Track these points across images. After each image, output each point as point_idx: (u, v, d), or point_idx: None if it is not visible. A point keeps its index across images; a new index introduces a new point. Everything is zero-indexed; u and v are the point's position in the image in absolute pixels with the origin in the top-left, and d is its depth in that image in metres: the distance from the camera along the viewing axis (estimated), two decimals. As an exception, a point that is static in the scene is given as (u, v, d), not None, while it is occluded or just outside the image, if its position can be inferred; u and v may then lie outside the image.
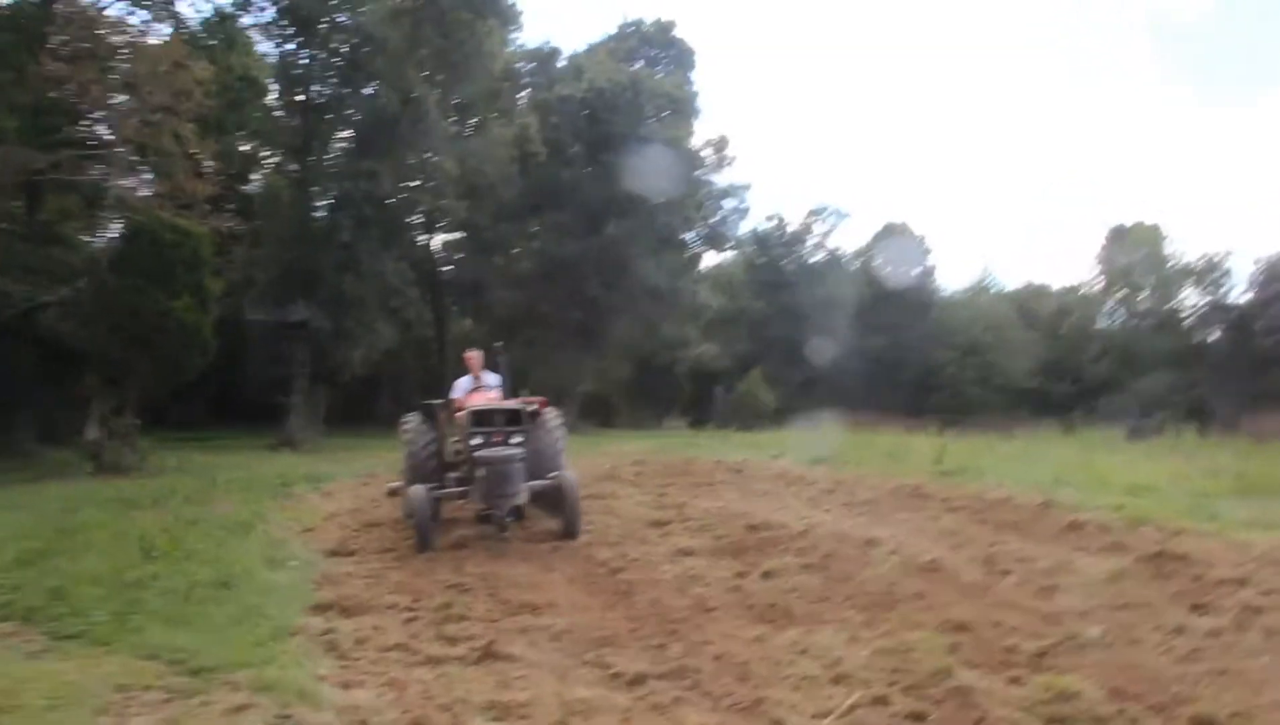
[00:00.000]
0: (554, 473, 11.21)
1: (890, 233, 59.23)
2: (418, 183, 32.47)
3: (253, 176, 33.71)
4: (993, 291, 62.46)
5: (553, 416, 12.10)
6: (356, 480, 17.85)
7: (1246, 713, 5.33)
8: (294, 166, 31.68)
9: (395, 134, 29.64)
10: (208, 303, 20.17)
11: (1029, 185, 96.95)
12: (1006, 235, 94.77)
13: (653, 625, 7.23)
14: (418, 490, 10.62)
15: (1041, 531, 10.94)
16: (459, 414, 11.30)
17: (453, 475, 11.46)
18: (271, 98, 31.55)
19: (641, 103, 41.64)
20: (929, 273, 59.73)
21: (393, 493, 13.03)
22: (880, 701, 5.53)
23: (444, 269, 43.94)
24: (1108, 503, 12.22)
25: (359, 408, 35.05)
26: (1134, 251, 55.93)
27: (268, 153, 33.25)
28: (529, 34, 67.80)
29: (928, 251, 59.08)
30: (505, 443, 10.53)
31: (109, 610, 7.17)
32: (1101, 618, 7.31)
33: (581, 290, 40.22)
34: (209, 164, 20.66)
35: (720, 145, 46.05)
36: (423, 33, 29.95)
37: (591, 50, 45.63)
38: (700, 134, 46.04)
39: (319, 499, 15.30)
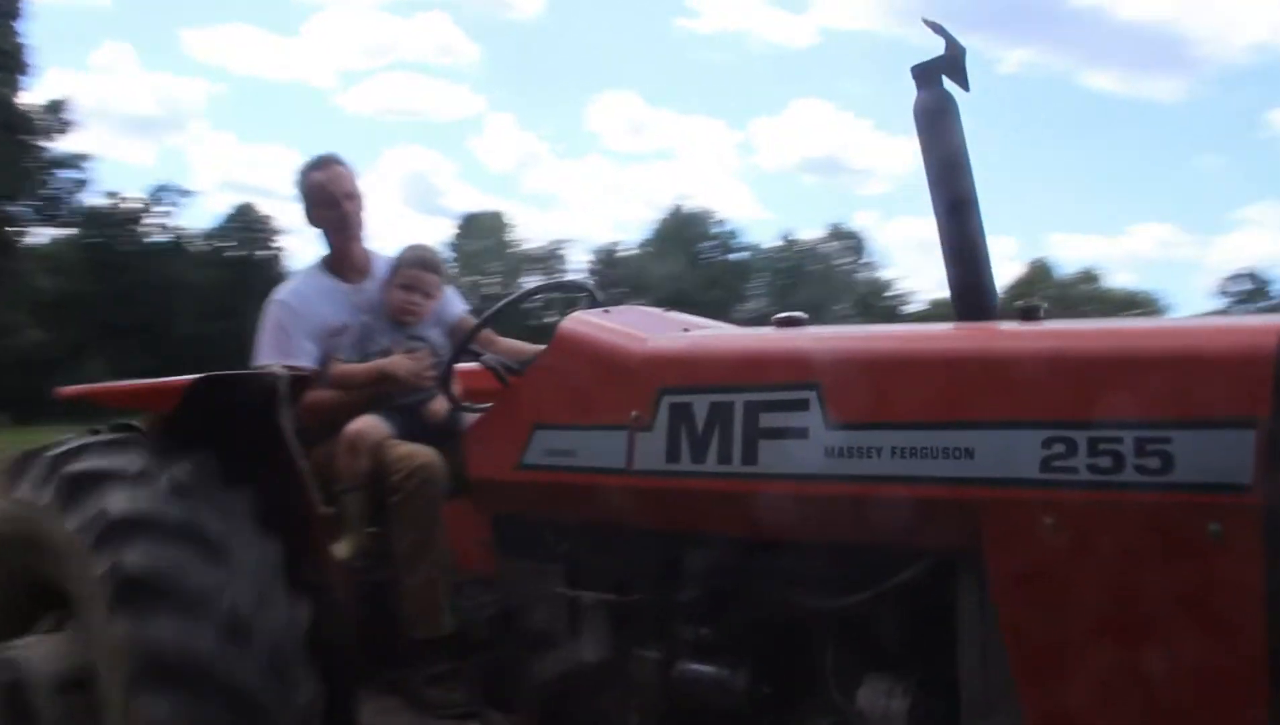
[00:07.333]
0: None
1: (242, 215, 58.61)
2: None
3: None
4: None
5: None
6: None
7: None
8: None
9: None
10: None
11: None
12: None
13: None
14: None
15: None
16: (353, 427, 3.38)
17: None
18: None
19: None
20: (279, 254, 60.19)
21: None
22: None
23: None
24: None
25: None
26: (482, 238, 61.40)
27: None
28: None
29: (277, 232, 59.58)
30: None
31: None
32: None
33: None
34: None
35: (57, 108, 41.74)
36: None
37: None
38: (37, 94, 41.17)
39: None
